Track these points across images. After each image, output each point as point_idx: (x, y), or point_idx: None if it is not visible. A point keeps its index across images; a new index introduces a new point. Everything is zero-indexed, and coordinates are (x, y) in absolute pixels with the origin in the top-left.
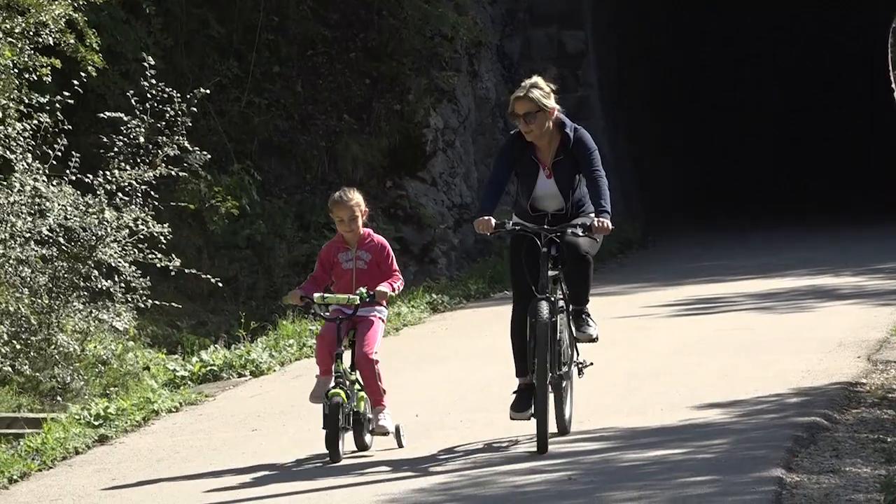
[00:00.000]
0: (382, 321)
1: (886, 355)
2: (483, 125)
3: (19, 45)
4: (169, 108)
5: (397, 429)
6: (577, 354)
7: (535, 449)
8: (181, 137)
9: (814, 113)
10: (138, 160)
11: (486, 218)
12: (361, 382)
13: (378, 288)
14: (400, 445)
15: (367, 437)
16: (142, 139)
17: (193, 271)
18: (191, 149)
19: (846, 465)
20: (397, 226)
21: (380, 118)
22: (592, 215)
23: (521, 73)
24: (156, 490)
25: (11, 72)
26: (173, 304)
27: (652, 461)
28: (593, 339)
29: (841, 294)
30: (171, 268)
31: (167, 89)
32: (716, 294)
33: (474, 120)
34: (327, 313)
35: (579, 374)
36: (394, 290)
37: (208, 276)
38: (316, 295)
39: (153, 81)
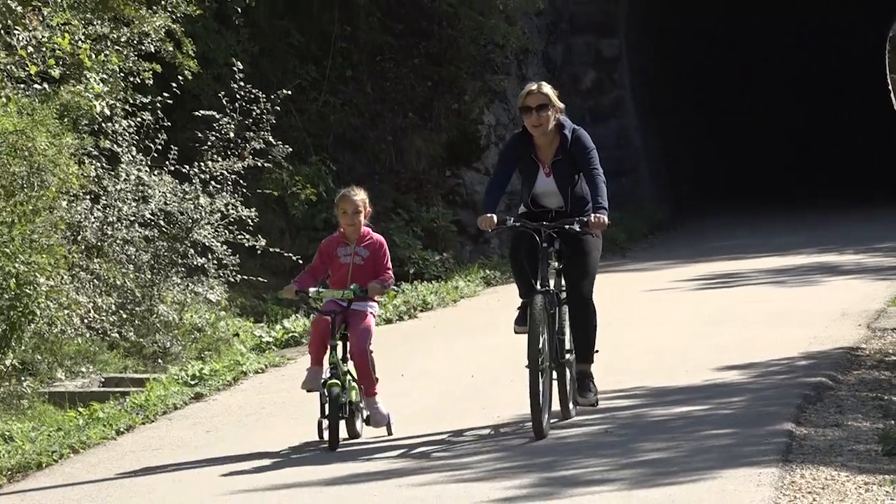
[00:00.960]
0: (374, 315)
1: (884, 323)
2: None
3: (125, 53)
4: (255, 108)
5: (387, 417)
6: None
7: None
8: (266, 133)
9: (823, 112)
10: (228, 153)
11: (489, 215)
12: (353, 374)
13: (371, 284)
14: (389, 433)
15: (359, 425)
16: (231, 134)
17: (277, 250)
18: (274, 143)
19: (848, 419)
20: (455, 210)
21: (440, 116)
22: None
23: (563, 77)
24: (245, 440)
25: (118, 76)
26: (259, 278)
27: (678, 416)
28: (593, 405)
29: (844, 270)
30: (257, 247)
31: (254, 91)
32: (735, 270)
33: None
34: (322, 306)
35: (573, 404)
36: (385, 285)
37: (290, 254)
38: (311, 289)
39: (242, 84)
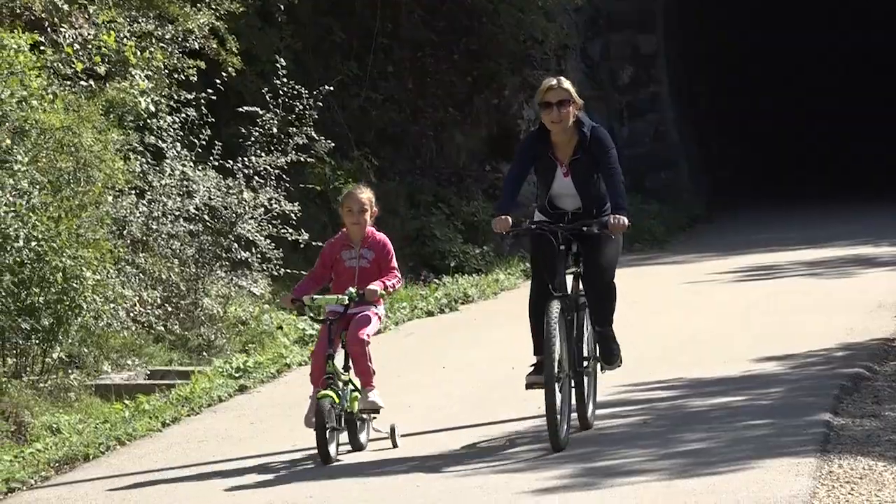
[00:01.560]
0: (379, 316)
1: None
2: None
3: (169, 50)
4: (298, 103)
5: (392, 428)
6: (598, 350)
7: (613, 397)
8: (309, 128)
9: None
10: (272, 148)
11: (504, 217)
12: (355, 383)
13: (368, 287)
14: (394, 445)
15: (362, 437)
16: (275, 130)
17: (320, 244)
18: (317, 138)
19: (885, 410)
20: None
21: (479, 111)
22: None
23: (601, 72)
24: (289, 432)
25: (163, 72)
26: (302, 272)
27: (716, 407)
28: (619, 366)
29: (880, 262)
30: (300, 241)
31: (297, 87)
32: (771, 262)
33: None
34: (319, 315)
35: (601, 369)
36: (386, 288)
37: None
38: (305, 297)
39: (284, 80)
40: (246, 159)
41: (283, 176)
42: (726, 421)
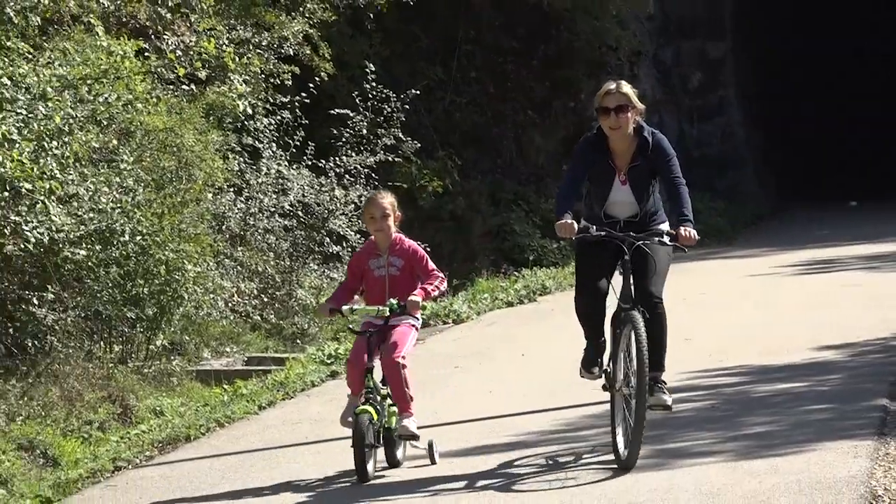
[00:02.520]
0: (416, 329)
1: None
2: (647, 120)
3: (266, 56)
4: (386, 106)
5: (430, 444)
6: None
7: (683, 382)
8: (396, 129)
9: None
10: (361, 148)
11: (570, 222)
12: (390, 392)
13: (410, 298)
14: (433, 462)
15: (399, 453)
16: (364, 131)
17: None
18: (404, 139)
19: None
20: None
21: (557, 114)
22: (664, 226)
23: (673, 77)
24: None
25: (260, 77)
26: None
27: (780, 392)
28: (666, 407)
29: None
30: None
31: (385, 91)
32: (831, 256)
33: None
34: (357, 326)
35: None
36: (428, 294)
37: (418, 243)
38: (344, 308)
39: (373, 84)
40: (337, 159)
41: (372, 174)
42: (789, 406)
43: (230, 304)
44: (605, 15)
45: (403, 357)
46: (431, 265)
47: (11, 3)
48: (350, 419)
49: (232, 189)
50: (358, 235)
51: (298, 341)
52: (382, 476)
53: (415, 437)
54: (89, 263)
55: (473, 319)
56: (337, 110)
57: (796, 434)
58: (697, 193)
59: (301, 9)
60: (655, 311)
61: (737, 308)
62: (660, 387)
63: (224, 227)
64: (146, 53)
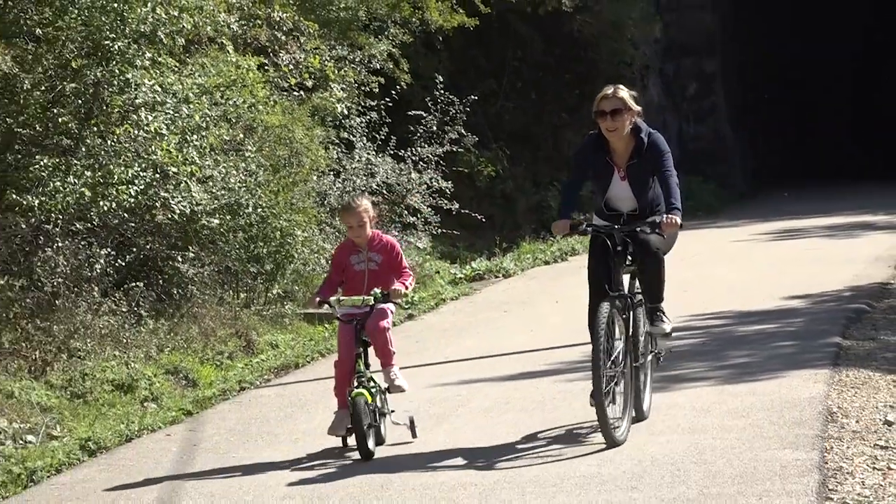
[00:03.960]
0: (391, 311)
1: None
2: (650, 120)
3: (358, 69)
4: (451, 109)
5: (411, 420)
6: (655, 345)
7: (681, 324)
8: (459, 127)
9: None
10: (432, 141)
11: (563, 221)
12: (376, 379)
13: (393, 287)
14: (413, 436)
15: (383, 430)
16: (434, 128)
17: (466, 211)
18: (465, 134)
19: (881, 335)
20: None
21: (585, 117)
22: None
23: (675, 87)
24: (444, 349)
25: (353, 86)
26: (454, 231)
27: (756, 332)
28: (667, 334)
29: (878, 227)
30: (452, 209)
31: (450, 97)
32: (797, 227)
33: (646, 116)
34: (343, 314)
35: (657, 362)
36: (406, 287)
37: (476, 215)
38: (332, 298)
39: (442, 91)
40: (413, 149)
41: (440, 161)
42: (763, 342)
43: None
44: (622, 39)
45: (388, 324)
46: (405, 262)
47: (162, 28)
48: (340, 431)
49: (331, 172)
50: (429, 209)
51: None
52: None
53: (402, 391)
54: (221, 230)
55: (518, 274)
56: (413, 112)
57: (769, 364)
58: (693, 178)
59: (386, 33)
60: (655, 258)
61: (723, 266)
62: (659, 315)
63: (325, 202)
64: (266, 67)
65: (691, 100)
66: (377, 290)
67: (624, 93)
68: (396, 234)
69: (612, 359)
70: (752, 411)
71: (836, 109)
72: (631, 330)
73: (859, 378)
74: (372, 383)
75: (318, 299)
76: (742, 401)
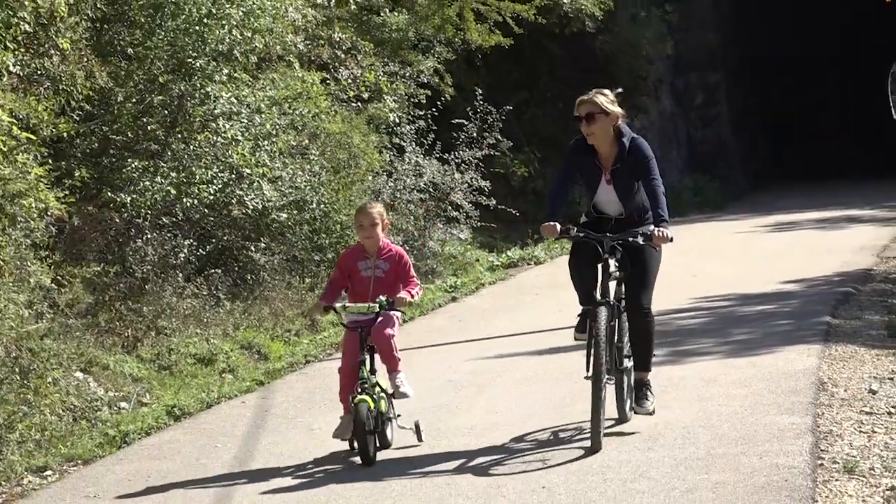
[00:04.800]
0: (398, 319)
1: (888, 254)
2: (663, 127)
3: (408, 83)
4: (489, 117)
5: (416, 424)
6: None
7: (690, 305)
8: (496, 133)
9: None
10: (472, 145)
11: (553, 224)
12: (382, 385)
13: (399, 295)
14: (419, 440)
15: (389, 435)
16: (475, 134)
17: (503, 207)
18: (501, 139)
19: (865, 314)
20: None
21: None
22: (652, 226)
23: (684, 98)
24: (484, 328)
25: (404, 97)
26: (492, 224)
27: (756, 312)
28: (650, 414)
29: (863, 219)
30: (490, 205)
31: (488, 106)
32: (792, 220)
33: (657, 123)
34: (349, 321)
35: (634, 411)
36: (412, 296)
37: (511, 210)
38: (337, 305)
39: (481, 102)
40: (456, 153)
41: (480, 163)
42: (762, 321)
43: None
44: (638, 56)
45: (394, 332)
46: (412, 272)
47: (238, 47)
48: (346, 436)
49: (385, 173)
50: (470, 205)
51: (430, 276)
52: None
53: (406, 396)
54: (289, 223)
55: (548, 262)
56: (456, 120)
57: (767, 340)
58: (700, 176)
59: (432, 51)
60: (645, 320)
61: (725, 255)
62: (644, 392)
63: (379, 198)
64: (327, 81)
65: (698, 108)
66: (382, 298)
67: (601, 97)
68: (441, 227)
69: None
70: (752, 381)
71: (837, 113)
72: (616, 336)
73: (847, 352)
74: (377, 388)
75: (323, 305)
76: (744, 372)
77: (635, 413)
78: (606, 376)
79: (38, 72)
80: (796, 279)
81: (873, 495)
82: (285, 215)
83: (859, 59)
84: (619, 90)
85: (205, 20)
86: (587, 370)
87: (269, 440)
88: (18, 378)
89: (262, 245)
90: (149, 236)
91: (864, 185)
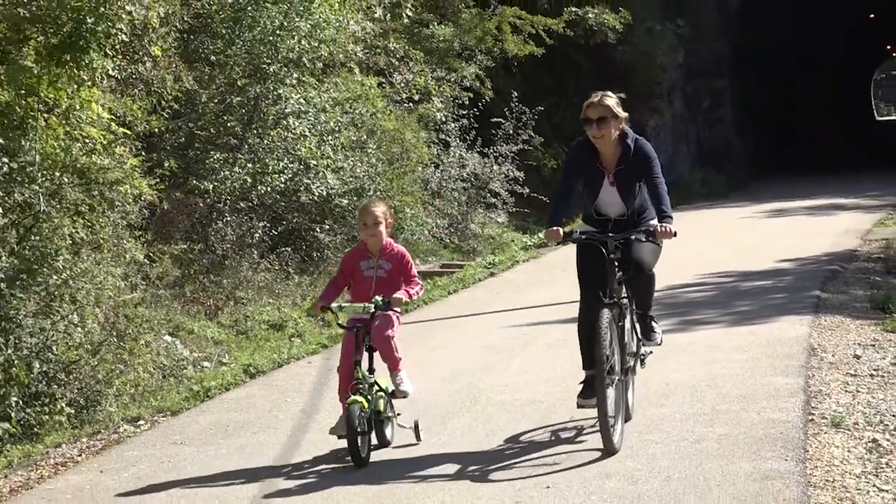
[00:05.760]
0: (398, 317)
1: (871, 237)
2: (675, 127)
3: (453, 86)
4: (523, 117)
5: (416, 424)
6: (641, 348)
7: (698, 280)
8: (529, 130)
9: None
10: (508, 141)
11: (555, 229)
12: (380, 384)
13: (394, 295)
14: (418, 439)
15: (388, 433)
16: (510, 131)
17: (535, 194)
18: (533, 136)
19: (851, 289)
20: None
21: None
22: (654, 221)
23: (693, 101)
24: (518, 299)
25: (449, 99)
26: (525, 210)
27: (755, 287)
28: (658, 345)
29: (848, 207)
30: (524, 193)
31: (523, 107)
32: (787, 207)
33: (670, 123)
34: (344, 321)
35: (641, 365)
36: (410, 296)
37: (542, 197)
38: (333, 305)
39: (516, 103)
40: (494, 147)
41: (515, 157)
42: (760, 295)
43: (432, 233)
44: (653, 65)
45: (392, 332)
46: (414, 272)
47: (306, 55)
48: (342, 433)
49: (432, 164)
50: (506, 192)
51: (471, 254)
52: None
53: (406, 396)
54: (349, 207)
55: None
56: (494, 119)
57: (765, 311)
58: (708, 170)
59: (474, 59)
60: (646, 275)
61: (728, 237)
62: (650, 325)
63: (428, 187)
64: (383, 85)
65: (705, 111)
66: (378, 298)
67: (610, 100)
68: (481, 211)
69: (610, 365)
70: (752, 347)
71: (841, 116)
72: (625, 337)
73: (834, 322)
74: (376, 388)
75: (321, 304)
76: (744, 339)
77: (644, 346)
78: (615, 377)
79: (133, 76)
80: (790, 258)
81: (857, 446)
82: (346, 201)
83: (863, 63)
84: (622, 95)
85: (277, 31)
86: (587, 367)
87: (331, 395)
88: (116, 341)
89: (326, 227)
90: (228, 219)
91: (852, 177)
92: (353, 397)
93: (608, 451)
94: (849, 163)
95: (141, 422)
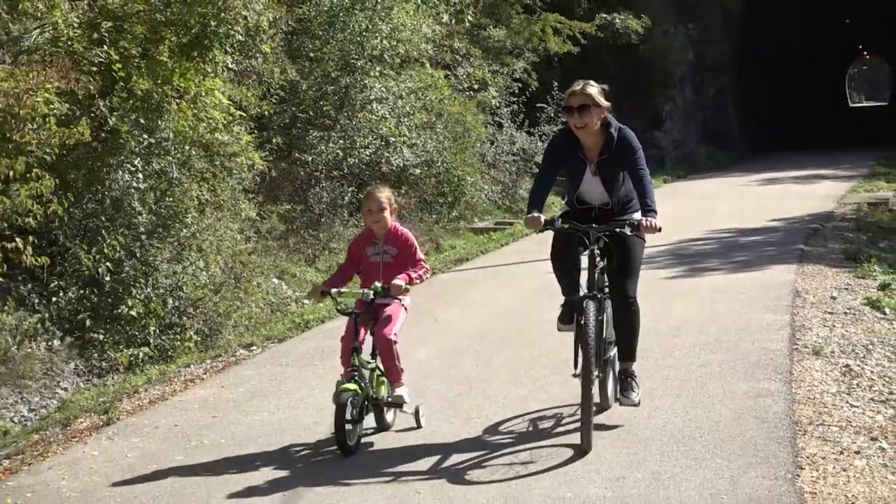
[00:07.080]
0: (405, 308)
1: (845, 201)
2: (686, 111)
3: (505, 77)
4: (562, 101)
5: (416, 409)
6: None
7: (701, 236)
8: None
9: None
10: (550, 122)
11: (536, 216)
12: (381, 367)
13: (393, 281)
14: (419, 425)
15: (389, 417)
16: (552, 114)
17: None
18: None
19: (829, 244)
20: (653, 152)
21: (647, 109)
22: (637, 215)
23: (700, 91)
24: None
25: (502, 88)
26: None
27: (750, 242)
28: (636, 405)
29: (827, 177)
30: None
31: (562, 94)
32: (777, 176)
33: (682, 108)
34: (347, 308)
35: (619, 402)
36: (411, 280)
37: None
38: (333, 291)
39: (557, 92)
40: (538, 128)
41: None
42: (755, 247)
43: (487, 195)
44: (668, 61)
45: (395, 334)
46: (419, 255)
47: (386, 52)
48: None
49: (488, 141)
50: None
51: (520, 214)
52: (372, 443)
53: (400, 404)
54: (421, 176)
55: None
56: (539, 105)
57: (758, 261)
58: (714, 148)
59: (523, 55)
60: (630, 310)
61: (729, 200)
62: (629, 382)
63: (484, 159)
64: (449, 76)
65: (711, 99)
66: (378, 284)
67: (592, 89)
68: (527, 180)
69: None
70: (748, 289)
71: (838, 111)
72: (605, 330)
73: (815, 270)
74: (377, 372)
75: (321, 289)
76: (742, 283)
77: (620, 405)
78: (595, 372)
79: (248, 69)
80: (779, 218)
81: (832, 371)
82: (419, 171)
83: (848, 61)
84: (605, 86)
85: (364, 33)
86: (574, 367)
87: (411, 327)
88: (233, 282)
89: (403, 191)
90: (324, 184)
91: (830, 153)
92: (345, 385)
93: (584, 446)
94: (830, 142)
95: (253, 347)
